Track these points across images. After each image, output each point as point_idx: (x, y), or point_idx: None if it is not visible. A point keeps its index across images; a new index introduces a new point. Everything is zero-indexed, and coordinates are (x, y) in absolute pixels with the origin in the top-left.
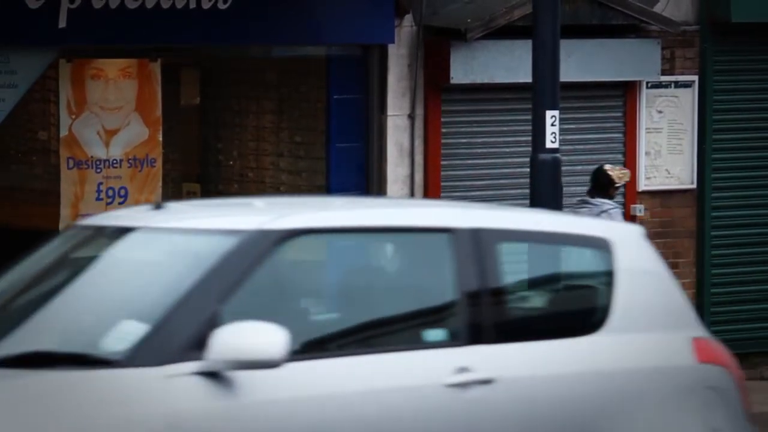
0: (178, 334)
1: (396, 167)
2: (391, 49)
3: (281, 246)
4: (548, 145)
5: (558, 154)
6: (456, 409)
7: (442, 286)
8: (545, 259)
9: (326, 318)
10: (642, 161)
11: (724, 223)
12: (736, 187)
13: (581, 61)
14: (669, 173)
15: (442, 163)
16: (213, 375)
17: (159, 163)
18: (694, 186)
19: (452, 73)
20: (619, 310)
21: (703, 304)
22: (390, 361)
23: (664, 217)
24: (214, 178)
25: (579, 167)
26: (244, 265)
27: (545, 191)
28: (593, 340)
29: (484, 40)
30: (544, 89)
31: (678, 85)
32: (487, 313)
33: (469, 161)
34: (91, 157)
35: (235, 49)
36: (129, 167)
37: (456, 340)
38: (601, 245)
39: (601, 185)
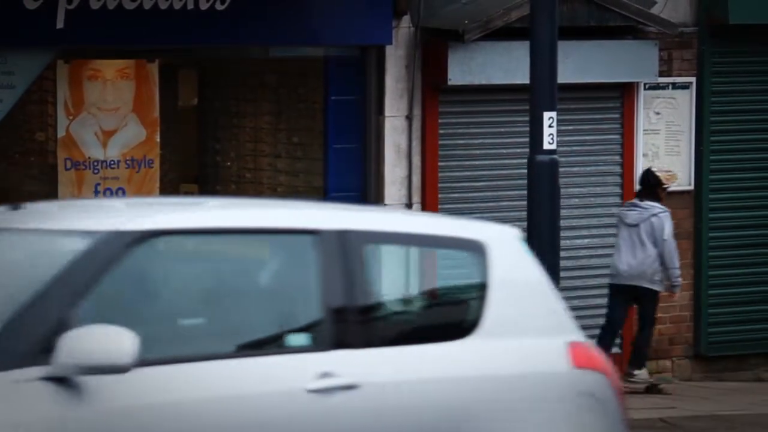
0: (25, 337)
1: (394, 168)
2: (389, 50)
3: (137, 247)
4: (546, 146)
5: (555, 156)
6: (318, 415)
7: (306, 289)
8: (416, 262)
9: (185, 321)
10: (639, 163)
11: (721, 225)
12: (733, 189)
13: (579, 63)
14: None
15: (440, 164)
16: (61, 380)
17: (156, 164)
18: (692, 187)
19: (450, 75)
20: (491, 315)
21: (700, 305)
22: (250, 366)
23: None
24: (211, 179)
25: (576, 168)
26: (96, 267)
27: (543, 192)
28: (464, 345)
29: (482, 41)
30: (542, 90)
31: (676, 86)
32: (353, 318)
33: (467, 162)
34: (89, 158)
35: (233, 50)
36: (127, 168)
37: (320, 344)
38: (474, 248)
39: (650, 186)
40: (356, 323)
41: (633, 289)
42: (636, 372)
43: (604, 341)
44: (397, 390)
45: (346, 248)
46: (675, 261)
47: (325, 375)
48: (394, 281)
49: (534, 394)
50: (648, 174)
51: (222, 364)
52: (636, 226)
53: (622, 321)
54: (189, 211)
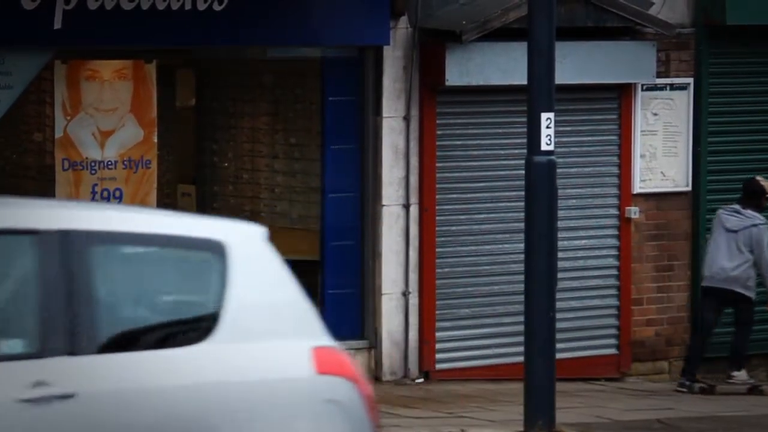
0: None
1: (391, 169)
2: (387, 51)
3: None
4: (543, 147)
5: (553, 157)
6: (31, 427)
7: (22, 292)
8: (149, 263)
9: None
10: (637, 164)
11: None
12: (731, 190)
13: (577, 64)
14: (664, 175)
15: (438, 165)
16: None
17: (154, 165)
18: (689, 188)
19: (447, 75)
20: (230, 318)
21: (698, 306)
22: None
23: (659, 220)
24: (209, 179)
25: (574, 169)
26: None
27: (541, 193)
28: (198, 351)
29: (480, 42)
30: (540, 91)
31: (673, 87)
32: (75, 323)
33: (465, 163)
34: (86, 158)
35: (231, 50)
36: (124, 168)
37: (35, 351)
38: (214, 248)
39: (753, 194)
40: (77, 329)
41: (726, 292)
42: (735, 373)
43: (695, 343)
44: (118, 398)
45: (69, 249)
46: None
47: (40, 384)
48: (124, 284)
49: (273, 400)
50: (752, 182)
51: None
52: (735, 232)
53: (715, 323)
54: None
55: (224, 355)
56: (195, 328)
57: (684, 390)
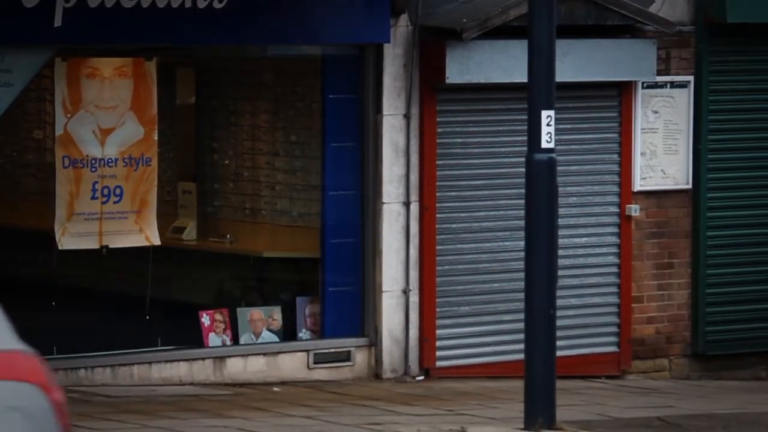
0: None
1: (391, 167)
2: (387, 49)
3: None
4: (544, 145)
5: (554, 154)
6: None
7: None
8: None
9: None
10: (637, 161)
11: (719, 224)
12: (731, 188)
13: (577, 62)
14: (664, 173)
15: (438, 162)
16: None
17: (154, 163)
18: (690, 186)
19: (448, 73)
20: None
21: (698, 304)
22: None
23: (659, 218)
24: (209, 177)
25: (574, 167)
26: None
27: (541, 191)
28: None
29: (480, 39)
30: (540, 89)
31: (673, 85)
32: None
33: (465, 161)
34: (87, 155)
35: (231, 48)
36: (124, 166)
37: None
38: None
39: None
40: None
41: None
42: None
43: None
44: None
45: None
46: None
47: None
48: None
49: None
50: None
51: None
52: None
53: None
54: None
55: None
56: None
57: None
